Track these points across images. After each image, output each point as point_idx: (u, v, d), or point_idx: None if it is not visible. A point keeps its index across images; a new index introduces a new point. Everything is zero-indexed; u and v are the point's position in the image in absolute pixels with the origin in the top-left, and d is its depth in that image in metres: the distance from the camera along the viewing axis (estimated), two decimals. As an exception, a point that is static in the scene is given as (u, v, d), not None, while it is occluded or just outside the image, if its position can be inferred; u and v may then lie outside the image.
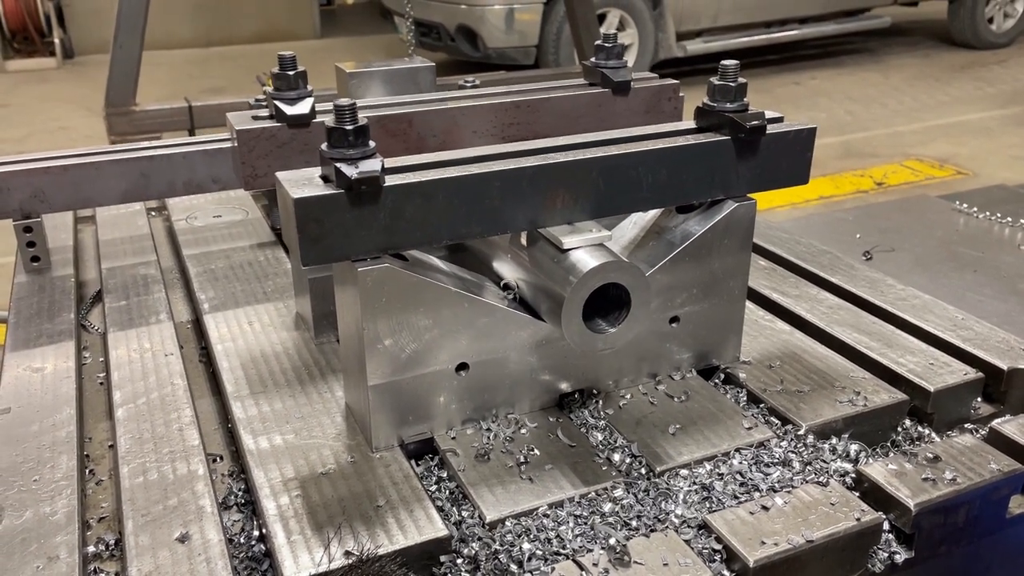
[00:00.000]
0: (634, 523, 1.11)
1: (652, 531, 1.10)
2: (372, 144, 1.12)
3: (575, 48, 5.50)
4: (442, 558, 1.06)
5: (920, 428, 1.36)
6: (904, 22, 11.39)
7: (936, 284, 2.42)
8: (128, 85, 4.57)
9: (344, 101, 1.11)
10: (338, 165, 1.08)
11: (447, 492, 1.18)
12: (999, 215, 2.82)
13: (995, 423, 1.30)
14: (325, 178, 1.12)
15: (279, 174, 1.14)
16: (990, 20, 10.16)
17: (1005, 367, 1.41)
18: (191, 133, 4.76)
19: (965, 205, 2.91)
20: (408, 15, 4.99)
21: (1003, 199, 3.15)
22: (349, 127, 1.10)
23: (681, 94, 1.85)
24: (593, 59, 1.73)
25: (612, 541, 1.07)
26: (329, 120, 1.11)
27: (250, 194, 2.24)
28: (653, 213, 1.43)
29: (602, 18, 7.92)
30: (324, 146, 1.11)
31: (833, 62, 9.76)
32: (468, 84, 1.85)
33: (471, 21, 8.06)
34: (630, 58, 7.99)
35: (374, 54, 10.86)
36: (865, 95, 8.28)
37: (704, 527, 1.11)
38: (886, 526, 1.15)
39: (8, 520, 1.09)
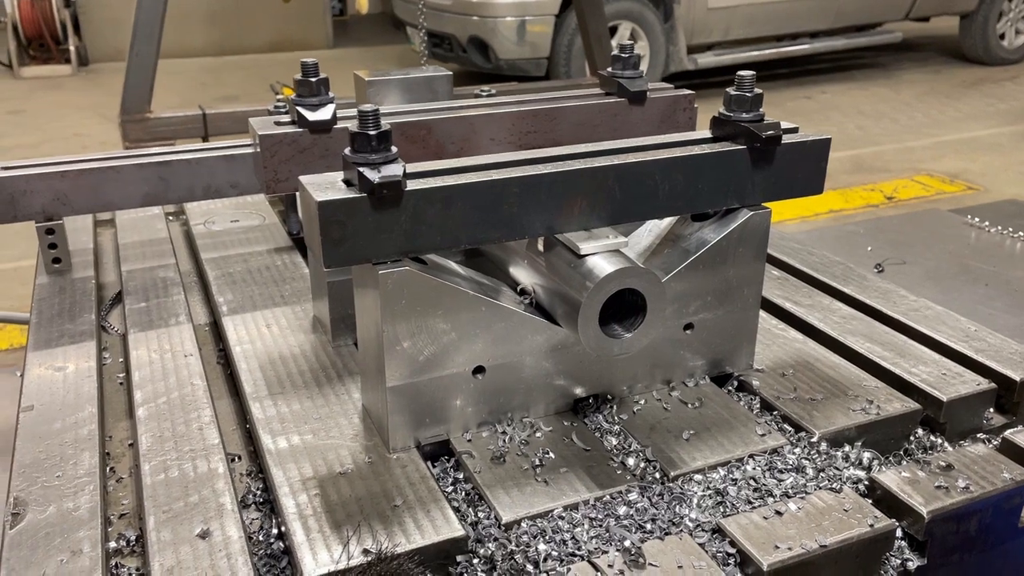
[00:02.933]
0: (648, 526, 1.12)
1: (667, 534, 1.11)
2: (394, 149, 1.14)
3: (586, 60, 5.53)
4: (459, 558, 1.07)
5: (932, 437, 1.37)
6: (915, 37, 11.41)
7: (947, 297, 2.42)
8: (143, 93, 4.62)
9: (367, 107, 1.13)
10: (361, 169, 1.10)
11: (463, 493, 1.20)
12: (1011, 229, 2.82)
13: (1007, 433, 1.31)
14: (348, 182, 1.14)
15: (302, 178, 1.16)
16: (1001, 36, 10.17)
17: (1018, 378, 1.41)
18: (205, 141, 4.81)
19: (977, 219, 2.92)
20: (420, 26, 5.04)
21: (1015, 213, 3.15)
22: (372, 132, 1.12)
23: (695, 105, 1.86)
24: (610, 69, 1.75)
25: (627, 543, 1.08)
26: (353, 125, 1.13)
27: (267, 199, 2.27)
28: (668, 220, 1.45)
29: (613, 31, 7.95)
30: (347, 151, 1.14)
31: (844, 77, 9.78)
32: (484, 93, 1.87)
33: (483, 32, 8.11)
34: (640, 64, 8.03)
35: (386, 64, 10.94)
36: (876, 110, 8.29)
37: (718, 531, 1.12)
38: (899, 533, 1.16)
39: (32, 515, 1.11)
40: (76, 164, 1.75)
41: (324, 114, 1.47)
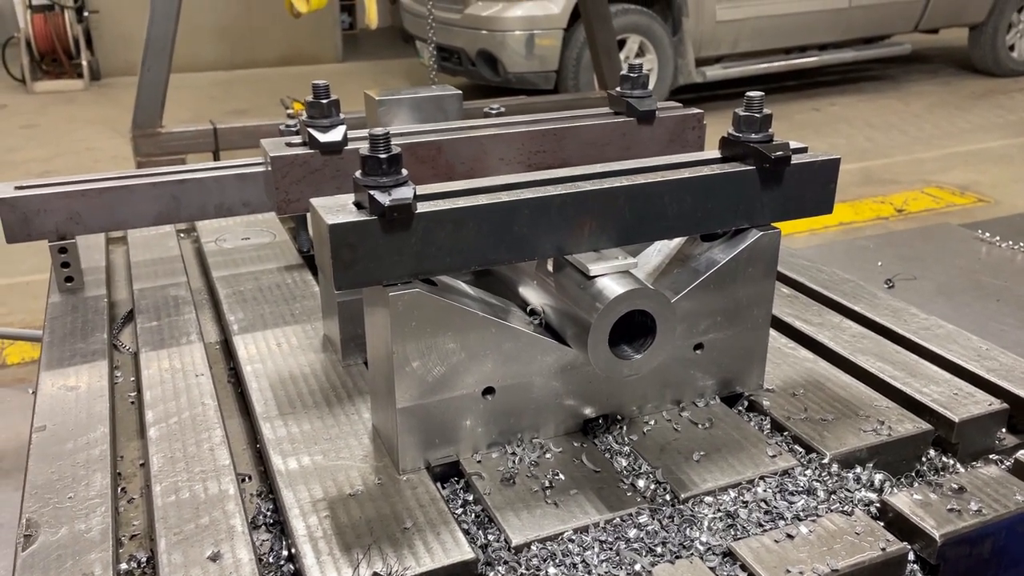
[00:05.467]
0: (659, 549, 1.12)
1: (677, 558, 1.10)
2: (405, 172, 1.15)
3: (595, 73, 5.55)
4: (469, 581, 1.07)
5: (944, 458, 1.36)
6: (924, 49, 11.39)
7: (958, 313, 2.42)
8: (155, 107, 4.66)
9: (379, 130, 1.14)
10: (372, 192, 1.11)
11: (473, 515, 1.20)
12: (1021, 244, 2.81)
13: (1020, 454, 1.30)
14: (358, 205, 1.15)
15: (314, 200, 1.16)
16: (1011, 47, 10.15)
17: (1030, 398, 1.41)
18: (216, 155, 4.84)
19: (987, 234, 2.91)
20: (430, 40, 5.07)
21: (1026, 228, 3.14)
22: (383, 155, 1.13)
23: (704, 123, 1.87)
24: (619, 88, 1.76)
25: (637, 567, 1.07)
26: (364, 148, 1.14)
27: (278, 217, 2.28)
28: (678, 241, 1.45)
29: (622, 44, 7.98)
30: (358, 174, 1.14)
31: (853, 88, 9.77)
32: (493, 111, 1.88)
33: (492, 46, 8.14)
34: (649, 83, 8.04)
35: (395, 78, 10.99)
36: (885, 122, 8.28)
37: (729, 554, 1.11)
38: (911, 556, 1.15)
39: (44, 536, 1.12)
40: (89, 183, 1.76)
41: (335, 135, 1.48)
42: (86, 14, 10.66)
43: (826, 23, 9.05)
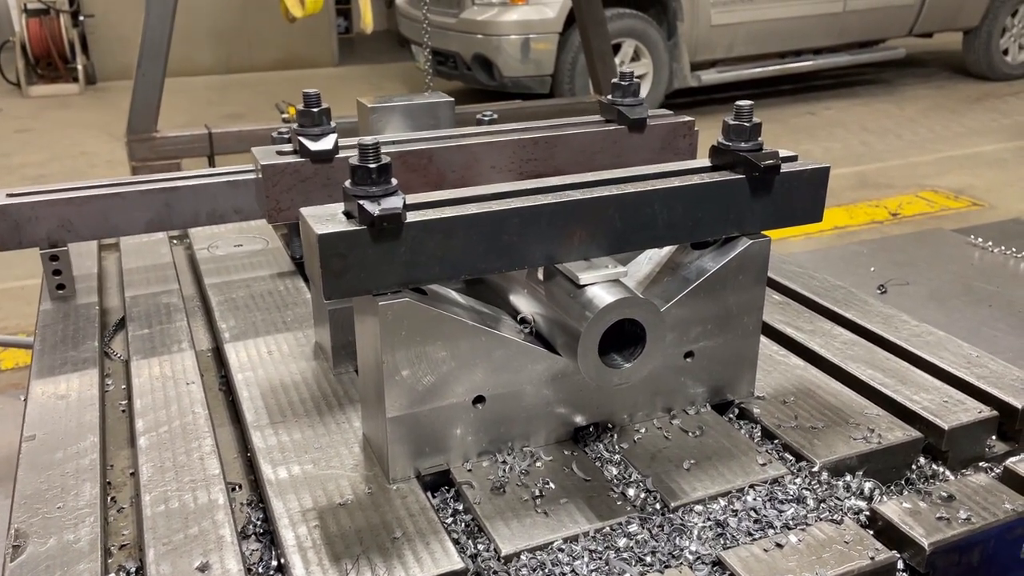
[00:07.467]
0: (648, 559, 1.12)
1: (666, 567, 1.10)
2: (394, 181, 1.15)
3: (590, 78, 5.56)
4: (458, 591, 1.07)
5: (934, 466, 1.36)
6: (919, 53, 11.43)
7: (951, 318, 2.42)
8: (150, 112, 4.65)
9: (368, 140, 1.14)
10: (361, 202, 1.11)
11: (463, 525, 1.20)
12: (1014, 249, 2.82)
13: (1010, 462, 1.30)
14: (348, 214, 1.15)
15: (303, 210, 1.16)
16: (1005, 52, 10.19)
17: (1020, 405, 1.41)
18: (211, 159, 4.83)
19: (980, 239, 2.92)
20: (425, 44, 5.07)
21: (1018, 233, 3.15)
22: (372, 165, 1.13)
23: (696, 129, 1.87)
24: (610, 96, 1.76)
25: (627, 576, 1.07)
26: (353, 158, 1.14)
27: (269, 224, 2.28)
28: (668, 249, 1.45)
29: (617, 48, 7.99)
30: (348, 183, 1.14)
31: (848, 93, 9.80)
32: (486, 118, 1.88)
33: (487, 50, 8.15)
34: (644, 88, 8.06)
35: (391, 82, 10.99)
36: (880, 126, 8.30)
37: (718, 564, 1.11)
38: (900, 565, 1.15)
39: (33, 547, 1.11)
40: (81, 191, 1.76)
41: (326, 144, 1.48)
42: (81, 18, 10.65)
43: (821, 27, 9.07)
